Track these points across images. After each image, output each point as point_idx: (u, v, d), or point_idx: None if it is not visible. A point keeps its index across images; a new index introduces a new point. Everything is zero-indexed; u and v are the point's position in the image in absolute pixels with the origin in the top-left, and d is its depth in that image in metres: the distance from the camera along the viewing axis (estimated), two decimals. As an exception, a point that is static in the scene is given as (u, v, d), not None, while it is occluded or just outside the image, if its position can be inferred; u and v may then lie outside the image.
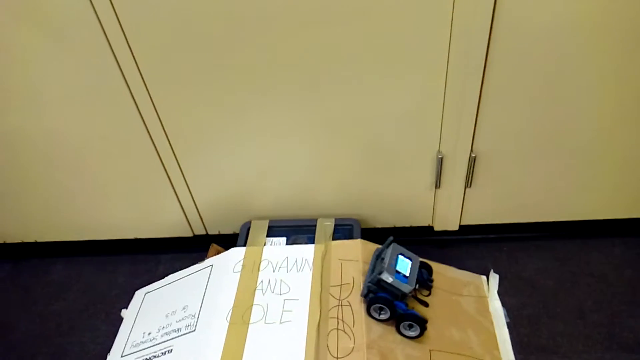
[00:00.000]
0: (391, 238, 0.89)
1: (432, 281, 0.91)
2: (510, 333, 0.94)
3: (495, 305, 0.98)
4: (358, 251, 0.94)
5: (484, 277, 1.04)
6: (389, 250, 0.85)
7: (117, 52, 0.79)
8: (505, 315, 0.97)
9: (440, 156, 0.90)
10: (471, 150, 0.89)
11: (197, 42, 0.78)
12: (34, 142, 0.94)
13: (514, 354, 0.90)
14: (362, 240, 0.96)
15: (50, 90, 0.85)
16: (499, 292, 1.00)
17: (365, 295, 0.85)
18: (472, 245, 1.11)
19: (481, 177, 0.95)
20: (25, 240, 1.13)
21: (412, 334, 0.82)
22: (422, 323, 0.81)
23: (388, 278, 0.81)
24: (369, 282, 0.83)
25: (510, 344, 0.92)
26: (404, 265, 0.84)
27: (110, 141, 0.93)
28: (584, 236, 1.10)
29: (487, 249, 1.10)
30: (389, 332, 0.83)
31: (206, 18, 0.75)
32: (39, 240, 1.13)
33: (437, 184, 0.95)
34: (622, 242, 1.08)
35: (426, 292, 0.90)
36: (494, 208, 1.03)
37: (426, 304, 0.88)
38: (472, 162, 0.91)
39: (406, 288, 0.81)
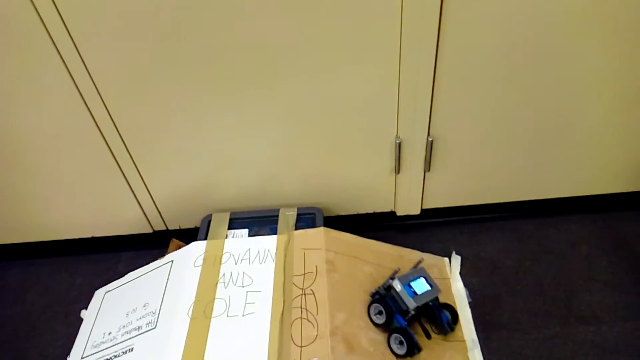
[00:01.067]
0: (421, 259, 0.92)
1: (452, 328, 0.88)
2: (473, 312, 0.96)
3: (458, 286, 1.00)
4: (321, 240, 0.94)
5: (446, 259, 1.05)
6: (415, 270, 0.87)
7: (58, 43, 0.76)
8: (467, 295, 0.98)
9: (398, 141, 0.90)
10: (428, 134, 0.90)
11: (144, 31, 0.75)
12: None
13: (477, 333, 0.92)
14: (325, 229, 0.96)
15: (-10, 86, 0.81)
16: (461, 273, 1.02)
17: (372, 295, 0.86)
18: (435, 229, 1.12)
19: (440, 161, 0.95)
20: (-24, 244, 1.09)
21: (399, 351, 0.81)
22: (412, 346, 0.79)
23: (397, 285, 0.82)
24: (382, 285, 0.85)
25: (473, 323, 0.94)
26: (421, 286, 0.84)
27: (60, 138, 0.89)
28: (542, 215, 1.12)
29: (449, 231, 1.12)
30: (353, 317, 0.83)
31: (153, 5, 0.73)
32: (-10, 243, 1.09)
33: (397, 169, 0.95)
34: (578, 220, 1.11)
35: (439, 335, 0.87)
36: (454, 191, 1.04)
37: (428, 336, 0.85)
38: (429, 146, 0.91)
39: (410, 303, 0.81)
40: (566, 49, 0.81)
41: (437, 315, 0.85)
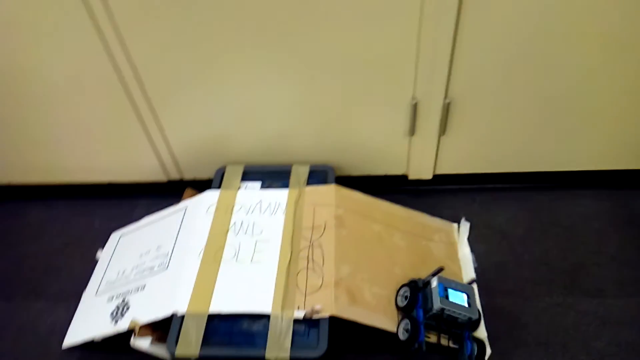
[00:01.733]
0: (472, 278, 0.90)
1: None
2: (478, 278, 0.97)
3: (464, 251, 1.01)
4: (332, 196, 0.95)
5: (455, 225, 1.06)
6: (463, 284, 0.84)
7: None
8: (473, 260, 0.99)
9: (414, 102, 0.90)
10: (445, 96, 0.89)
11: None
12: (6, 80, 0.92)
13: (480, 297, 0.94)
14: (336, 186, 0.97)
15: (20, 25, 0.83)
16: (469, 240, 1.03)
17: (408, 283, 0.84)
18: (446, 195, 1.13)
19: (455, 125, 0.95)
20: (1, 183, 1.13)
21: (401, 336, 0.80)
22: (414, 339, 0.77)
23: (433, 282, 0.81)
24: (423, 279, 0.84)
25: (476, 287, 0.95)
26: (458, 298, 0.80)
27: (80, 81, 0.91)
28: (555, 188, 1.12)
29: (460, 198, 1.12)
30: (358, 271, 0.85)
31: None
32: (13, 182, 1.13)
33: (412, 131, 0.95)
34: (592, 195, 1.10)
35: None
36: (467, 157, 1.03)
37: (439, 348, 0.82)
38: (446, 109, 0.91)
39: (436, 302, 0.78)
40: (593, 18, 0.79)
41: (464, 343, 0.80)
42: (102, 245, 1.06)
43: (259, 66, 0.88)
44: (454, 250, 1.00)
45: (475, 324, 0.82)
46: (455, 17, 0.78)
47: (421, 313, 0.80)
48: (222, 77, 0.90)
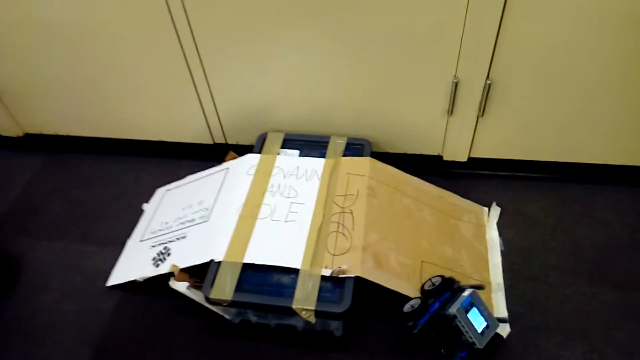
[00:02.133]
0: (504, 318, 0.87)
1: None
2: (503, 261, 0.99)
3: (492, 234, 1.02)
4: (366, 168, 0.99)
5: (485, 209, 1.07)
6: (490, 313, 0.82)
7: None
8: (500, 244, 1.01)
9: (455, 81, 0.92)
10: (487, 77, 0.91)
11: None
12: (73, 39, 0.99)
13: (504, 280, 0.95)
14: (371, 159, 1.01)
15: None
16: (498, 224, 1.04)
17: (444, 277, 0.84)
18: (479, 180, 1.14)
19: (494, 107, 0.96)
20: (59, 133, 1.22)
21: (405, 308, 0.82)
22: (416, 316, 0.80)
23: (466, 292, 0.81)
24: (461, 284, 0.84)
25: (502, 269, 0.97)
26: (477, 319, 0.80)
27: (141, 41, 0.97)
28: (591, 181, 1.11)
29: (494, 184, 1.13)
30: (385, 240, 0.89)
31: None
32: (71, 134, 1.21)
33: (450, 111, 0.97)
34: (629, 190, 1.09)
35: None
36: (504, 141, 1.04)
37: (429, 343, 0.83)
38: (486, 90, 0.92)
39: (453, 309, 0.79)
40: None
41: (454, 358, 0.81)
42: (148, 199, 1.14)
43: (307, 39, 0.92)
44: (482, 232, 1.02)
45: (474, 353, 0.80)
46: (504, -1, 0.79)
47: (437, 306, 0.80)
48: (272, 47, 0.95)
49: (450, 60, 0.89)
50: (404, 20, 0.86)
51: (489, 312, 0.81)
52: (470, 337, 0.78)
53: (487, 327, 0.80)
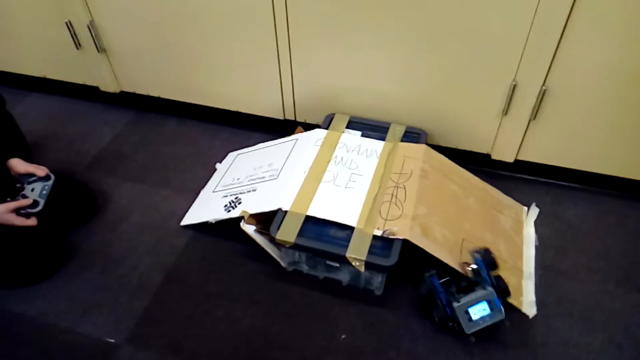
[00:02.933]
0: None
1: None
2: (537, 255, 1.07)
3: (529, 231, 1.11)
4: (421, 153, 1.10)
5: (525, 207, 1.16)
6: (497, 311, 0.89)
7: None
8: (535, 239, 1.09)
9: (514, 83, 1.02)
10: (544, 83, 1.01)
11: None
12: (177, 8, 1.16)
13: (535, 271, 1.04)
14: (426, 146, 1.12)
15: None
16: (535, 223, 1.13)
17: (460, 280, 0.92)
18: (522, 183, 1.23)
19: (547, 112, 1.06)
20: (150, 94, 1.39)
21: (427, 274, 0.92)
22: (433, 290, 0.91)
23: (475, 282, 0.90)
24: (465, 281, 0.92)
25: (534, 261, 1.05)
26: (479, 308, 0.88)
27: (241, 18, 1.13)
28: (631, 197, 1.18)
29: (536, 189, 1.21)
30: (432, 214, 0.99)
31: None
32: (161, 96, 1.38)
33: (505, 111, 1.07)
34: (666, 210, 1.16)
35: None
36: (551, 147, 1.13)
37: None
38: (541, 95, 1.02)
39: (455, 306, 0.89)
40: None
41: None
42: (221, 160, 1.29)
43: (384, 34, 1.05)
44: (519, 227, 1.11)
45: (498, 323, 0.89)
46: (570, 7, 0.89)
47: (443, 297, 0.90)
48: (353, 38, 1.08)
49: (512, 63, 1.00)
50: (474, 22, 0.97)
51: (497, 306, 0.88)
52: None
53: (484, 316, 0.88)
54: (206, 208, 1.13)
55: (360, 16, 1.04)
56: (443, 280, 0.91)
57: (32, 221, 0.98)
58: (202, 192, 1.20)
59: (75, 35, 1.28)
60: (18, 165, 1.01)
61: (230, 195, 1.11)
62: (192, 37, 1.20)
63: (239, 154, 1.27)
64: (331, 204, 0.99)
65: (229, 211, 1.05)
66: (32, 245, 1.01)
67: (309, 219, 0.96)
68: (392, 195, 1.01)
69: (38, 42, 1.35)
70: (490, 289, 0.89)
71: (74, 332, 0.96)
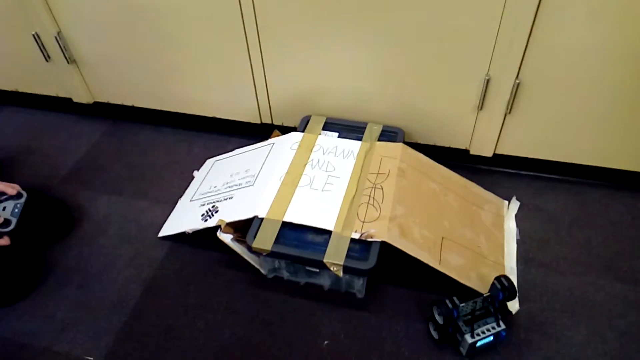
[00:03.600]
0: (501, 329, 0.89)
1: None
2: (518, 249, 1.06)
3: (510, 225, 1.10)
4: (398, 152, 1.09)
5: (505, 202, 1.15)
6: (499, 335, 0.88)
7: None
8: (517, 233, 1.09)
9: (487, 78, 1.01)
10: (517, 76, 1.00)
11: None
12: (147, 15, 1.14)
13: (517, 265, 1.03)
14: (403, 145, 1.11)
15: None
16: (516, 217, 1.12)
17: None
18: (503, 177, 1.22)
19: (522, 105, 1.05)
20: (124, 103, 1.36)
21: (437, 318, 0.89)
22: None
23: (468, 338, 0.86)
24: (476, 307, 0.90)
25: (515, 255, 1.05)
26: (484, 327, 0.88)
27: (210, 23, 1.11)
28: (611, 186, 1.18)
29: (515, 182, 1.21)
30: (411, 215, 0.98)
31: None
32: (135, 104, 1.36)
33: (480, 106, 1.06)
34: (646, 198, 1.16)
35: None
36: (528, 140, 1.12)
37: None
38: (515, 88, 1.01)
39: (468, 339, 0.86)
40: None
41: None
42: (198, 167, 1.27)
43: (357, 34, 1.04)
44: (500, 222, 1.10)
45: None
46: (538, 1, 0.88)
47: (455, 313, 0.87)
48: (325, 40, 1.07)
49: (484, 58, 0.99)
50: (444, 21, 0.96)
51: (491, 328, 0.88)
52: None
53: (495, 339, 0.87)
54: (184, 218, 1.11)
55: (330, 17, 1.03)
56: (461, 305, 0.88)
57: (4, 241, 0.96)
58: (179, 202, 1.18)
59: (44, 47, 1.25)
60: None
61: (207, 203, 1.09)
62: (163, 43, 1.18)
63: (216, 161, 1.25)
64: (308, 208, 0.97)
65: (206, 220, 1.03)
66: (6, 265, 0.99)
67: (286, 225, 0.95)
68: (370, 196, 0.99)
69: (7, 56, 1.33)
70: (502, 325, 0.88)
71: (52, 351, 0.94)
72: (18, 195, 1.01)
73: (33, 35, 1.23)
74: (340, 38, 1.06)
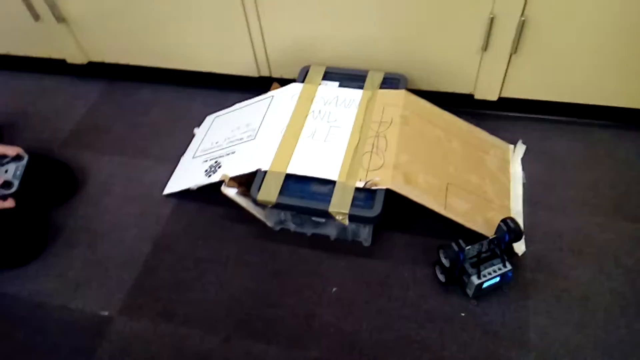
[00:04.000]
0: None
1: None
2: (524, 192, 1.06)
3: (516, 169, 1.09)
4: (401, 99, 1.06)
5: (511, 146, 1.14)
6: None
7: None
8: (523, 177, 1.08)
9: (491, 16, 0.97)
10: (522, 13, 0.96)
11: None
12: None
13: (523, 208, 1.03)
14: (406, 91, 1.08)
15: None
16: (523, 160, 1.11)
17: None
18: (508, 121, 1.20)
19: (527, 45, 1.01)
20: (120, 62, 1.33)
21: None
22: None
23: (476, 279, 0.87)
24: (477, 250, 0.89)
25: (522, 199, 1.04)
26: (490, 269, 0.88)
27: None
28: (618, 126, 1.16)
29: (522, 125, 1.19)
30: (415, 162, 0.97)
31: None
32: (131, 63, 1.33)
33: (485, 46, 1.03)
34: (655, 136, 1.14)
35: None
36: (534, 81, 1.09)
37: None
38: (520, 27, 0.97)
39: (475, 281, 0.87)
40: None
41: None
42: (199, 124, 1.25)
43: None
44: (506, 166, 1.09)
45: None
46: None
47: (462, 256, 0.87)
48: None
49: (487, -5, 0.95)
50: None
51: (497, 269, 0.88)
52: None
53: (501, 279, 0.88)
54: (187, 175, 1.10)
55: None
56: (467, 247, 0.88)
57: (9, 203, 0.96)
58: (182, 159, 1.17)
59: (32, 5, 1.21)
60: None
61: (210, 159, 1.08)
62: None
63: (216, 117, 1.24)
64: (311, 159, 0.96)
65: (210, 176, 1.03)
66: (14, 227, 0.99)
67: (290, 177, 0.94)
68: (373, 145, 0.98)
69: (-5, 17, 1.29)
70: (508, 265, 0.88)
71: (68, 308, 0.96)
72: (19, 158, 1.01)
73: (19, -7, 1.19)
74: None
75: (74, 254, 1.04)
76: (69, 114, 1.34)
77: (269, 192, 0.92)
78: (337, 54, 1.16)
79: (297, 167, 0.95)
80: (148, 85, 1.38)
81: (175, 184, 1.11)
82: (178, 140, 1.23)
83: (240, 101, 1.23)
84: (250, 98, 1.21)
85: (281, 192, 0.92)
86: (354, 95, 1.08)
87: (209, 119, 1.25)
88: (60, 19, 1.23)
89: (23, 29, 1.29)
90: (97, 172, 1.19)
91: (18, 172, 0.99)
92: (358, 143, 0.98)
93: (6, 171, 0.99)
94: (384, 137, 0.99)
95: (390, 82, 1.11)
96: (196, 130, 1.24)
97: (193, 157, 1.14)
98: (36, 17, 1.23)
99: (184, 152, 1.19)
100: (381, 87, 1.10)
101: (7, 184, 0.96)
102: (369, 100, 1.07)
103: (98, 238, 1.06)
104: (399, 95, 1.07)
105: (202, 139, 1.18)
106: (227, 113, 1.22)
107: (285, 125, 1.03)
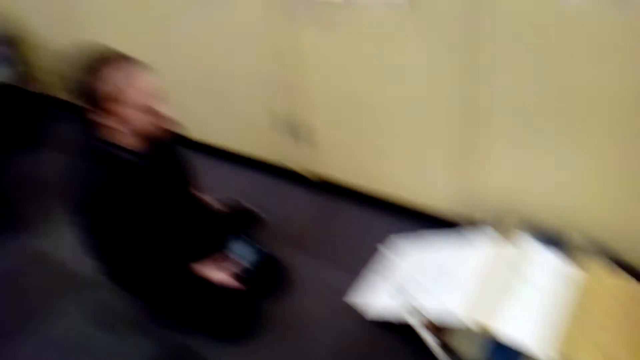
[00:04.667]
0: None
1: None
2: None
3: None
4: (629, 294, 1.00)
5: None
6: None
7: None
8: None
9: None
10: None
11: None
12: (356, 108, 1.30)
13: None
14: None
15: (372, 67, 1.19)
16: None
17: None
18: None
19: None
20: (342, 180, 1.55)
21: None
22: None
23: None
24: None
25: None
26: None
27: (424, 112, 1.22)
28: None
29: None
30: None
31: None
32: (351, 182, 1.53)
33: None
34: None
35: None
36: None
37: None
38: None
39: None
40: None
41: None
42: (382, 242, 1.35)
43: (572, 147, 1.07)
44: None
45: None
46: None
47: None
48: (536, 138, 1.10)
49: None
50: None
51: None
52: None
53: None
54: (381, 298, 1.18)
55: (548, 122, 1.05)
56: None
57: (242, 286, 1.14)
58: (373, 276, 1.26)
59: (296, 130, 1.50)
60: None
61: (409, 296, 1.12)
62: (373, 130, 1.34)
63: (408, 245, 1.31)
64: (522, 328, 0.94)
65: (411, 315, 1.06)
66: (234, 305, 1.15)
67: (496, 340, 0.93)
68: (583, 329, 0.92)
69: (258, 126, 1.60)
70: None
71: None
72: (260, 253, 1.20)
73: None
74: (554, 141, 1.07)
75: (275, 344, 1.16)
76: (292, 218, 1.53)
77: (469, 350, 0.92)
78: (534, 206, 1.18)
79: (506, 334, 0.93)
80: (349, 202, 1.54)
81: (367, 301, 1.19)
82: (362, 253, 1.34)
83: (424, 229, 1.33)
84: (437, 230, 1.31)
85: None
86: (571, 272, 1.06)
87: (397, 242, 1.34)
88: (311, 144, 1.50)
89: (274, 141, 1.58)
90: (297, 270, 1.33)
91: (255, 262, 1.18)
92: (572, 326, 0.94)
93: (240, 254, 1.18)
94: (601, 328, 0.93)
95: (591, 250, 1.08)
96: (383, 249, 1.32)
97: (388, 282, 1.21)
98: (297, 137, 1.51)
99: (367, 265, 1.29)
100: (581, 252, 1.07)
101: (248, 271, 1.15)
102: (586, 285, 1.02)
103: (293, 334, 1.17)
104: (627, 289, 1.00)
105: (397, 266, 1.25)
106: (421, 244, 1.29)
107: (498, 284, 1.04)
